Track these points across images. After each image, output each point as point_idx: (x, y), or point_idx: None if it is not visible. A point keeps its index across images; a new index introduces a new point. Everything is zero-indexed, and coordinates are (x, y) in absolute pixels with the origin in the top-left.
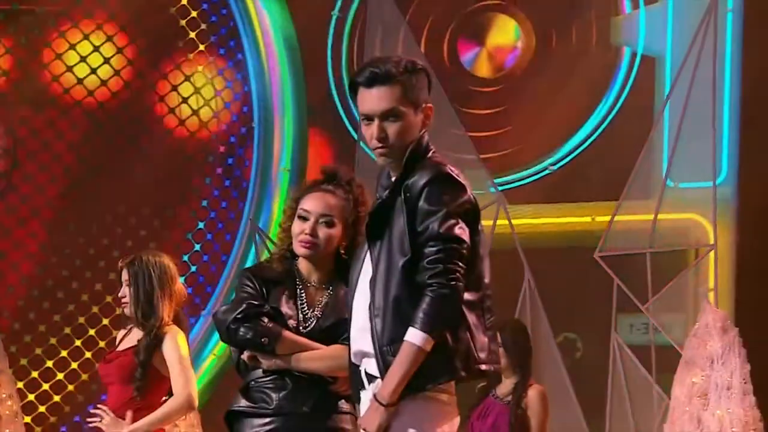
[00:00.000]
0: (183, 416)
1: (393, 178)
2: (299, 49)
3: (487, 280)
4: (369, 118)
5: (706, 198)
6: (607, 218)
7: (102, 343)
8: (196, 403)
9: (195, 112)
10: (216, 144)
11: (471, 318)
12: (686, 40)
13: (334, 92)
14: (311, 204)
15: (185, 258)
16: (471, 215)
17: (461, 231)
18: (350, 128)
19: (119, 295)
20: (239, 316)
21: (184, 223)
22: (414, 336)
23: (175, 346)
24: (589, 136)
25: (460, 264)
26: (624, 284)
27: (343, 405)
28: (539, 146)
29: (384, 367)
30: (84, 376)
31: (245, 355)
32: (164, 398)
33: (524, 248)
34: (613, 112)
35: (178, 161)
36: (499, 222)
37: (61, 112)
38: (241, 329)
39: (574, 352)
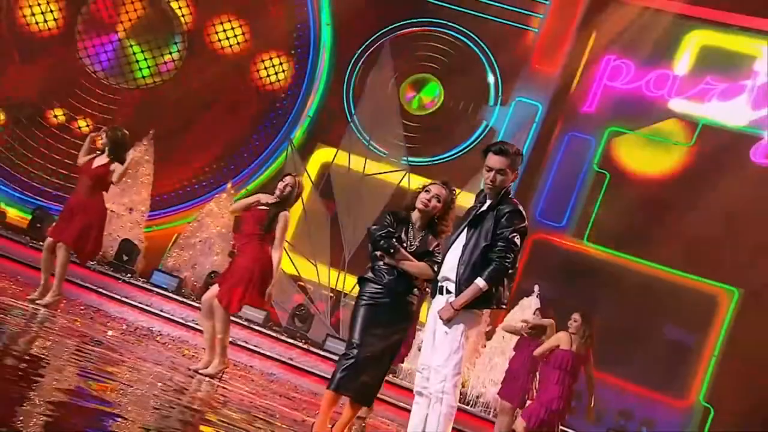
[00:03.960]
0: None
1: (489, 201)
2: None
3: (517, 266)
4: (490, 170)
5: None
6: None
7: None
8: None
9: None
10: (280, 93)
11: (506, 282)
12: (515, 129)
13: (345, 84)
14: (433, 188)
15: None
16: (524, 233)
17: (518, 240)
18: (347, 113)
19: (284, 185)
20: (383, 233)
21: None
22: (480, 282)
23: (285, 225)
24: (450, 156)
25: (513, 256)
26: None
27: (416, 291)
28: (431, 150)
29: (458, 291)
30: None
31: (378, 253)
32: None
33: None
34: (466, 150)
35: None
36: (403, 181)
37: None
38: (381, 240)
39: None
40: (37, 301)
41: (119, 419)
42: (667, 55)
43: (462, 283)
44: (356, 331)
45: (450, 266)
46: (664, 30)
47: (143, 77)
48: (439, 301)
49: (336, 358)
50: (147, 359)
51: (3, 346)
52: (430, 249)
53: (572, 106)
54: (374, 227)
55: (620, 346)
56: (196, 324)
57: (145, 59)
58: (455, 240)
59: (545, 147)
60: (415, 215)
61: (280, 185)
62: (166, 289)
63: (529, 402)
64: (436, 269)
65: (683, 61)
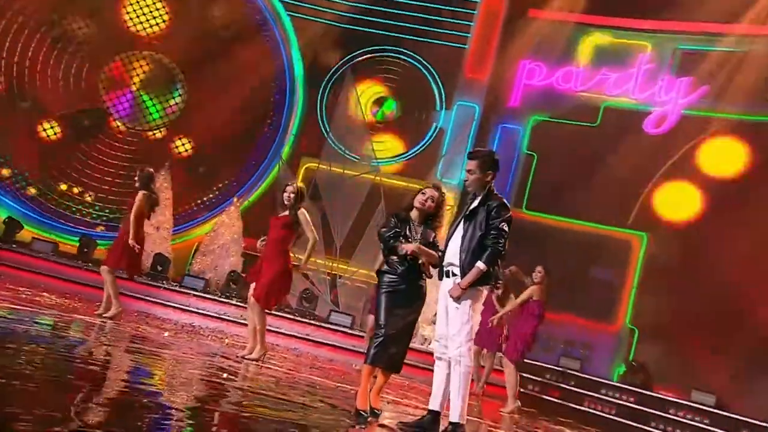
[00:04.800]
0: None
1: (478, 198)
2: (311, 91)
3: (507, 248)
4: (466, 171)
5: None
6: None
7: None
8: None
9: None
10: (269, 109)
11: (499, 262)
12: (459, 127)
13: (318, 107)
14: (427, 191)
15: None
16: (510, 221)
17: (506, 227)
18: (322, 128)
19: (288, 194)
20: (391, 234)
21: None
22: (481, 265)
23: (306, 218)
24: (410, 154)
25: (504, 241)
26: None
27: (425, 276)
28: (392, 151)
29: (462, 274)
30: None
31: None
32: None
33: (409, 196)
34: (422, 148)
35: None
36: (375, 179)
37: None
38: (391, 239)
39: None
40: (104, 315)
41: (191, 406)
42: (570, 56)
43: (465, 267)
44: (381, 314)
45: (453, 253)
46: (566, 36)
47: (155, 120)
48: (447, 283)
49: (341, 329)
50: (202, 351)
51: (81, 355)
52: (431, 240)
53: (501, 104)
54: (383, 230)
55: (560, 289)
56: (227, 316)
57: (155, 105)
58: (454, 232)
59: (484, 138)
60: (413, 213)
61: (285, 195)
62: (195, 290)
63: (505, 345)
64: (439, 256)
65: (583, 59)
